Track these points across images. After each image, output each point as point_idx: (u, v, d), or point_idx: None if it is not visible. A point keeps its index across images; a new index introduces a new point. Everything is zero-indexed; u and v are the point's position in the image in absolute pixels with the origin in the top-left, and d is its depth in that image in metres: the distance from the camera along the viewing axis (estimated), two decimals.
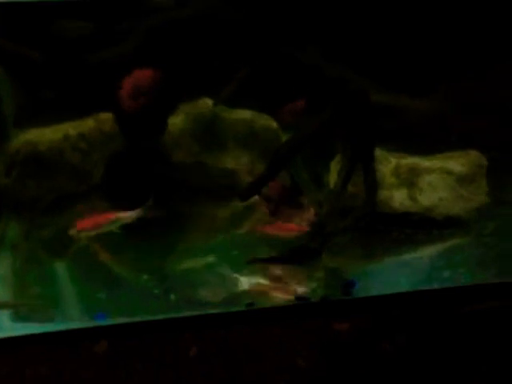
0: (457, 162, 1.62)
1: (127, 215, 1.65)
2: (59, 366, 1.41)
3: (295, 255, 1.40)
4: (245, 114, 1.81)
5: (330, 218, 1.38)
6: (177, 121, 1.77)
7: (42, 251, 1.74)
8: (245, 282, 1.52)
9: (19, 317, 1.50)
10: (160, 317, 1.50)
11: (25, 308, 1.47)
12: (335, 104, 1.39)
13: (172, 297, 1.54)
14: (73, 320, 1.49)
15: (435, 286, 1.47)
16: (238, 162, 1.74)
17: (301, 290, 1.45)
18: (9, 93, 1.74)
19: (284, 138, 1.77)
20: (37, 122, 1.75)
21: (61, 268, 1.69)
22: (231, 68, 1.66)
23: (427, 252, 1.61)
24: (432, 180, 1.60)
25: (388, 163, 1.60)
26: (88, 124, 1.82)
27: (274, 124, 1.79)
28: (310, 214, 1.52)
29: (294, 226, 1.56)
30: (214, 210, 1.73)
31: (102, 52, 1.66)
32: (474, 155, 1.66)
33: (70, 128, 1.80)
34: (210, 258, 1.65)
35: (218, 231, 1.75)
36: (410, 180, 1.60)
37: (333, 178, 1.55)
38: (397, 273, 1.53)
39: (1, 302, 1.50)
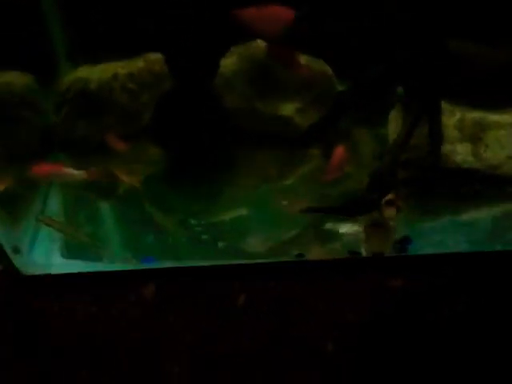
0: None
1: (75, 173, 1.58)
2: (108, 306, 1.42)
3: (352, 206, 1.35)
4: (300, 58, 1.68)
5: (391, 169, 1.32)
6: (229, 63, 1.71)
7: (90, 191, 1.74)
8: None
9: (69, 254, 1.51)
10: (208, 263, 1.49)
11: (77, 241, 1.48)
12: (405, 49, 1.30)
13: (220, 244, 1.52)
14: (121, 261, 1.50)
15: (498, 247, 1.41)
16: (291, 108, 1.68)
17: None
18: (60, 27, 1.70)
19: (338, 84, 1.70)
20: (87, 59, 1.72)
21: (109, 210, 1.69)
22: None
23: (490, 212, 1.54)
24: (500, 136, 1.51)
25: (452, 116, 1.51)
26: (137, 64, 1.78)
27: (329, 69, 1.70)
28: None
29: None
30: (265, 158, 1.69)
31: None
32: None
33: (119, 67, 1.76)
34: (258, 207, 1.62)
35: (267, 179, 1.71)
36: (474, 135, 1.51)
37: (392, 128, 1.48)
38: (456, 232, 1.47)
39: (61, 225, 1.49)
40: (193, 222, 1.57)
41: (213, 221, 1.61)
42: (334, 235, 1.52)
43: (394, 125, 1.50)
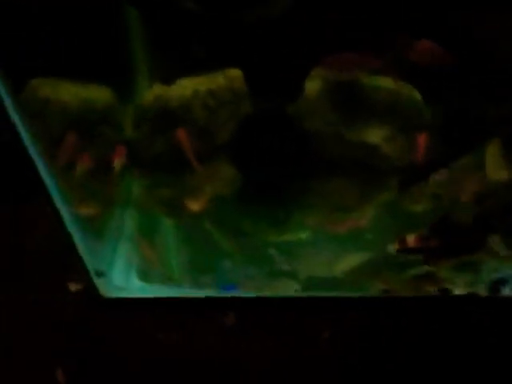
0: None
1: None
2: (189, 333, 1.39)
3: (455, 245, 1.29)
4: (387, 82, 1.60)
5: (494, 212, 1.25)
6: (314, 85, 1.65)
7: (161, 210, 1.71)
8: None
9: (147, 277, 1.48)
10: (290, 294, 1.45)
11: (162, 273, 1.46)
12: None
13: (301, 275, 1.48)
14: (200, 287, 1.47)
15: None
16: (378, 135, 1.62)
17: None
18: (142, 42, 1.68)
19: (427, 110, 1.63)
20: (168, 76, 1.69)
21: (181, 233, 1.66)
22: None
23: None
24: None
25: None
26: (217, 80, 1.74)
27: (418, 95, 1.59)
28: None
29: None
30: (346, 187, 1.63)
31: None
32: None
33: (199, 84, 1.73)
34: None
35: (343, 207, 1.65)
36: None
37: (491, 165, 1.40)
38: None
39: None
40: (271, 251, 1.53)
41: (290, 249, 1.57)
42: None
43: (491, 162, 1.41)
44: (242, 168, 1.70)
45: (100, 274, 1.34)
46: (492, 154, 1.45)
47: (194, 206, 1.71)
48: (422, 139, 1.52)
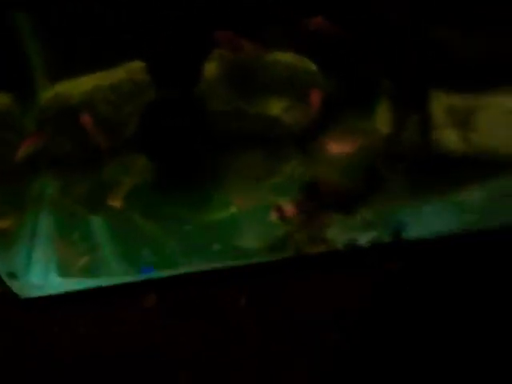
0: None
1: None
2: (109, 320, 1.40)
3: (344, 201, 1.36)
4: (284, 56, 1.70)
5: (384, 163, 1.33)
6: (212, 66, 1.69)
7: (79, 207, 1.71)
8: None
9: (66, 272, 1.48)
10: (205, 268, 1.48)
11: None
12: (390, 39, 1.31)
13: (215, 246, 1.51)
14: (119, 275, 1.48)
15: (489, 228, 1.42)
16: (278, 107, 1.67)
17: None
18: (37, 43, 1.66)
19: (324, 81, 1.69)
20: (66, 73, 1.69)
21: (101, 224, 1.66)
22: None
23: (481, 194, 1.55)
24: (489, 119, 1.52)
25: (440, 102, 1.52)
26: (118, 74, 1.75)
27: (314, 67, 1.68)
28: None
29: None
30: (253, 159, 1.68)
31: None
32: None
33: (101, 79, 1.73)
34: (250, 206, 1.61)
35: (256, 179, 1.70)
36: (464, 119, 1.52)
37: (380, 121, 1.48)
38: (449, 215, 1.49)
39: None
40: (186, 227, 1.57)
41: (205, 223, 1.60)
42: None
43: (381, 117, 1.50)
44: (154, 156, 1.72)
45: (13, 277, 1.34)
46: (382, 110, 1.54)
47: (114, 199, 1.72)
48: (315, 95, 1.57)
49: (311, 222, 1.39)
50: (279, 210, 1.45)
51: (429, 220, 1.47)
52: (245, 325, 1.35)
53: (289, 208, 1.44)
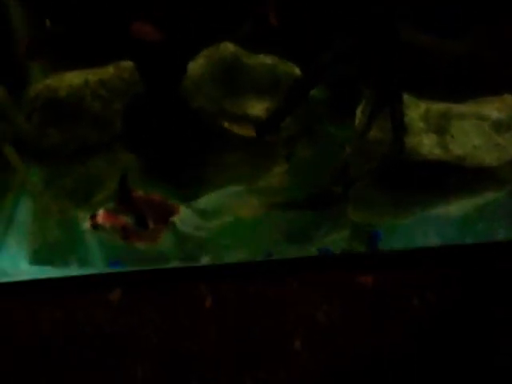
0: (492, 108, 1.51)
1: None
2: (72, 311, 1.40)
3: (317, 200, 1.34)
4: (267, 59, 1.76)
5: (354, 159, 1.31)
6: (197, 65, 1.71)
7: (63, 200, 1.74)
8: None
9: (37, 260, 1.50)
10: (176, 265, 1.47)
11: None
12: (357, 36, 1.30)
13: (189, 245, 1.51)
14: (89, 266, 1.49)
15: (468, 241, 1.39)
16: (260, 108, 1.68)
17: None
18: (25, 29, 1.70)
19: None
20: (57, 67, 1.72)
21: (82, 217, 1.68)
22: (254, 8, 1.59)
23: (459, 204, 1.52)
24: (465, 126, 1.50)
25: (417, 108, 1.51)
26: (108, 71, 1.78)
27: (297, 70, 1.72)
28: None
29: None
30: (234, 158, 1.68)
31: None
32: (510, 100, 1.55)
33: (90, 74, 1.77)
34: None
35: (238, 179, 1.70)
36: (440, 126, 1.50)
37: (359, 122, 1.47)
38: (426, 226, 1.45)
39: None
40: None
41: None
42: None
43: (361, 120, 1.49)
44: (141, 153, 1.74)
45: None
46: (360, 112, 1.53)
47: (99, 195, 1.74)
48: None
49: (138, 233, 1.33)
50: (92, 217, 1.38)
51: (405, 231, 1.44)
52: (208, 325, 1.34)
53: (100, 215, 1.37)
